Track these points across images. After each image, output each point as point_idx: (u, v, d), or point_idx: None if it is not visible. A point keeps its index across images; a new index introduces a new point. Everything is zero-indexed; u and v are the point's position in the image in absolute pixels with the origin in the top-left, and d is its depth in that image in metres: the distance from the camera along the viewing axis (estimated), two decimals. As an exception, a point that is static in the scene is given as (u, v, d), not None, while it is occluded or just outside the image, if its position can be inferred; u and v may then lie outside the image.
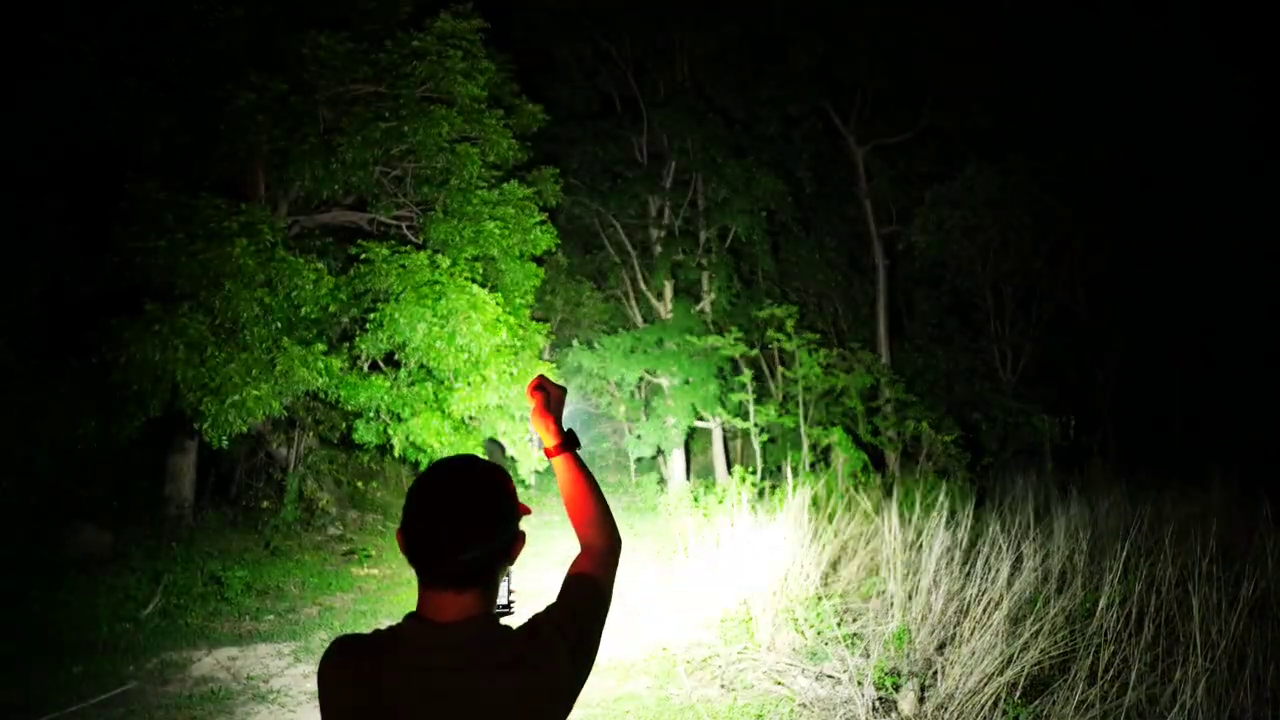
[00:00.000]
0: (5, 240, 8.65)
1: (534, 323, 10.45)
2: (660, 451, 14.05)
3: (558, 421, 1.77)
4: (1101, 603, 5.68)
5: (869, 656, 5.89)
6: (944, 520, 7.03)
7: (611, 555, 1.71)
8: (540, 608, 1.56)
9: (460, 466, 1.52)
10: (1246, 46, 13.71)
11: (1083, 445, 13.49)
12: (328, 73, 8.96)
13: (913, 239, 13.86)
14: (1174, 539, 6.64)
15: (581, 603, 1.59)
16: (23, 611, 6.87)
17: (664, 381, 13.57)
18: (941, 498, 7.98)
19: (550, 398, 1.77)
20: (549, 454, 1.77)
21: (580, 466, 1.75)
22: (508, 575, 1.60)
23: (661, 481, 14.95)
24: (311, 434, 11.12)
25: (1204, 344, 14.93)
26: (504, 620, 1.54)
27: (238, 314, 8.25)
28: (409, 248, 9.54)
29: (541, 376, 1.79)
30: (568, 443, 1.75)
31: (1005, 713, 4.81)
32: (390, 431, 9.50)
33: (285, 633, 7.15)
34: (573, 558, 1.71)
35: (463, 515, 1.45)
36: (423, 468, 9.84)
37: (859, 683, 5.34)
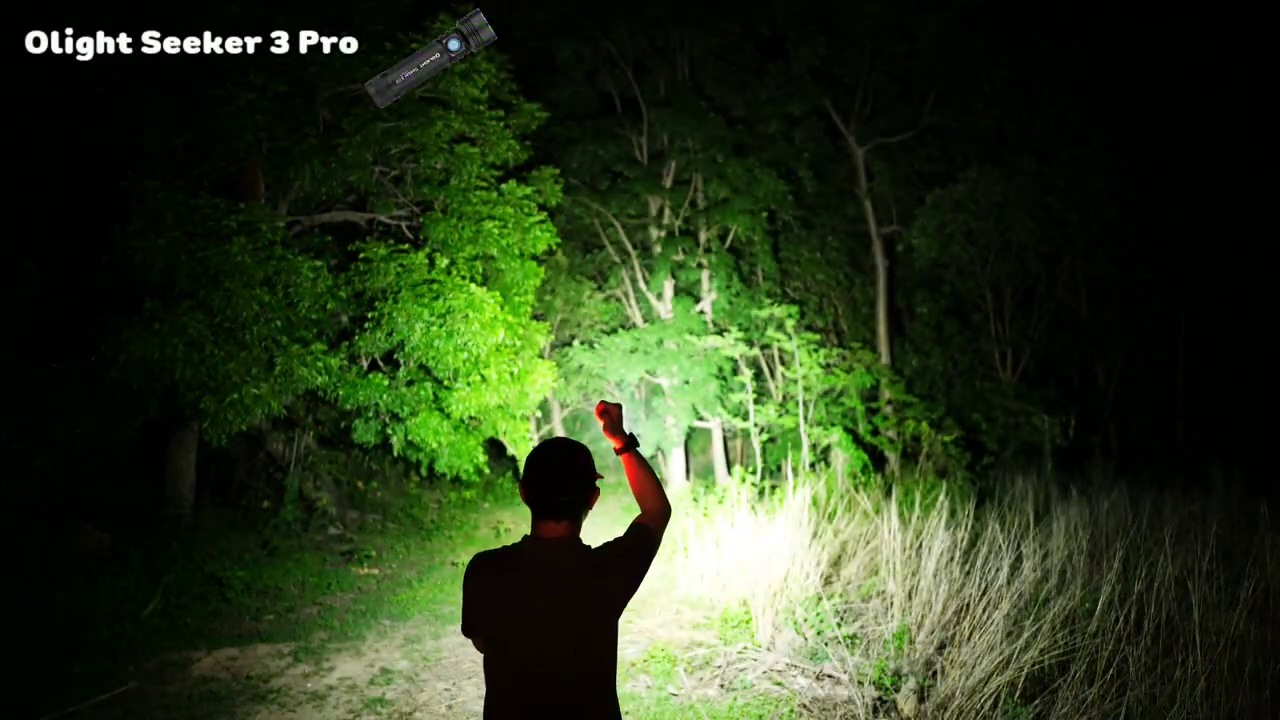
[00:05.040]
0: (4, 239, 8.64)
1: (534, 322, 10.44)
2: (660, 451, 14.05)
3: (620, 432, 2.59)
4: (1101, 602, 5.67)
5: (869, 656, 5.89)
6: (944, 520, 7.04)
7: (664, 517, 2.52)
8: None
9: (561, 445, 2.38)
10: (1249, 45, 13.70)
11: (1083, 445, 13.48)
12: (327, 73, 8.96)
13: (912, 242, 13.85)
14: (1174, 538, 6.64)
15: (639, 541, 2.41)
16: (23, 611, 6.86)
17: (664, 381, 13.56)
18: (941, 498, 7.98)
19: (612, 417, 2.60)
20: (617, 452, 2.61)
21: (639, 461, 2.58)
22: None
23: (661, 481, 14.98)
24: (311, 434, 11.11)
25: (1205, 344, 14.93)
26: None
27: (237, 312, 8.25)
28: (407, 247, 9.54)
29: (603, 402, 2.61)
30: (629, 445, 2.59)
31: (1005, 712, 4.81)
32: (389, 431, 9.50)
33: (285, 633, 7.15)
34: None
35: (562, 473, 2.32)
36: (423, 468, 9.89)
37: (859, 683, 5.34)
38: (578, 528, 2.34)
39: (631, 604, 8.02)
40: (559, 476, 2.30)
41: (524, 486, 2.31)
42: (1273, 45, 13.32)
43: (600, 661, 2.29)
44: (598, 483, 2.37)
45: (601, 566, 2.28)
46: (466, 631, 2.34)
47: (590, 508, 2.36)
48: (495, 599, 2.25)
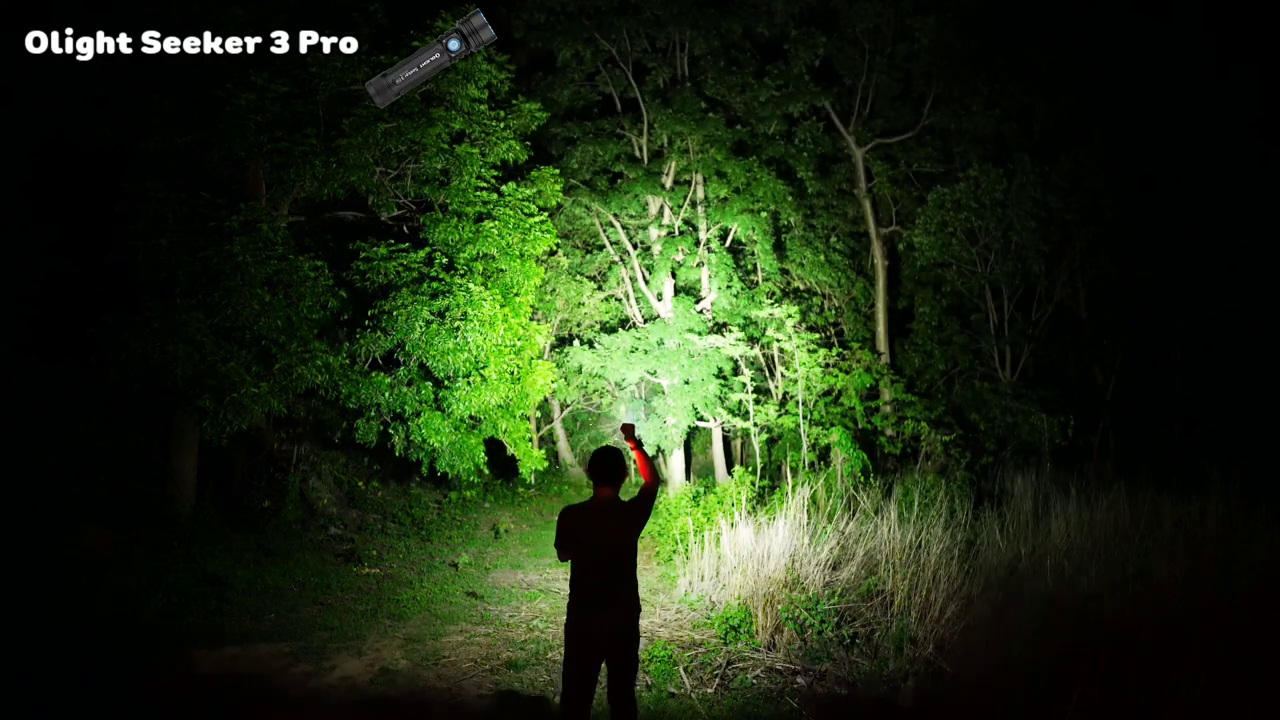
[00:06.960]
0: (5, 239, 8.64)
1: (533, 322, 10.45)
2: (660, 452, 14.04)
3: (634, 438, 4.70)
4: (1100, 602, 5.68)
5: (869, 656, 5.90)
6: (943, 520, 7.05)
7: (658, 483, 5.83)
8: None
9: (611, 448, 4.48)
10: (1250, 44, 13.71)
11: (1081, 445, 13.48)
12: (328, 73, 8.96)
13: (913, 240, 13.84)
14: (1172, 538, 6.65)
15: (645, 495, 4.45)
16: (24, 611, 6.87)
17: (664, 381, 13.56)
18: (941, 497, 7.99)
19: (628, 432, 4.71)
20: (630, 450, 4.72)
21: (644, 454, 4.60)
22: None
23: (661, 482, 14.97)
24: (312, 432, 11.11)
25: (1203, 344, 14.93)
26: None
27: (237, 312, 8.26)
28: (407, 246, 9.54)
29: (625, 423, 4.71)
30: (638, 445, 4.67)
31: (1005, 712, 4.82)
32: (390, 431, 9.51)
33: (286, 632, 7.15)
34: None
35: (612, 461, 4.44)
36: (423, 468, 9.89)
37: (858, 683, 5.34)
38: (618, 490, 4.45)
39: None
40: (610, 463, 4.41)
41: (589, 468, 4.44)
42: (1273, 45, 13.33)
43: (631, 555, 4.37)
44: (626, 469, 4.45)
45: (628, 509, 4.39)
46: (559, 545, 4.35)
47: (623, 480, 4.45)
48: (579, 525, 4.34)
